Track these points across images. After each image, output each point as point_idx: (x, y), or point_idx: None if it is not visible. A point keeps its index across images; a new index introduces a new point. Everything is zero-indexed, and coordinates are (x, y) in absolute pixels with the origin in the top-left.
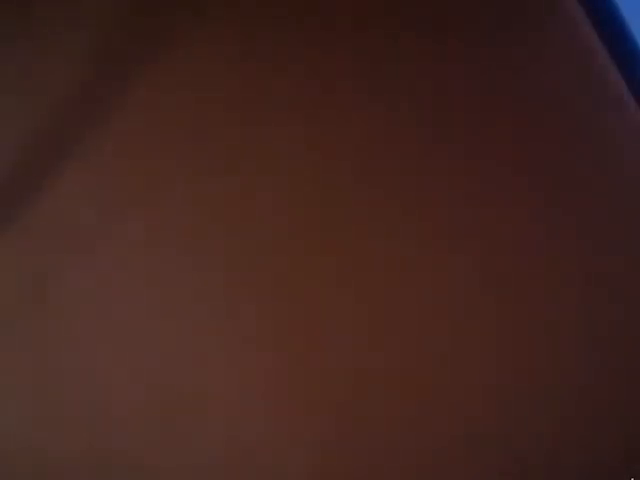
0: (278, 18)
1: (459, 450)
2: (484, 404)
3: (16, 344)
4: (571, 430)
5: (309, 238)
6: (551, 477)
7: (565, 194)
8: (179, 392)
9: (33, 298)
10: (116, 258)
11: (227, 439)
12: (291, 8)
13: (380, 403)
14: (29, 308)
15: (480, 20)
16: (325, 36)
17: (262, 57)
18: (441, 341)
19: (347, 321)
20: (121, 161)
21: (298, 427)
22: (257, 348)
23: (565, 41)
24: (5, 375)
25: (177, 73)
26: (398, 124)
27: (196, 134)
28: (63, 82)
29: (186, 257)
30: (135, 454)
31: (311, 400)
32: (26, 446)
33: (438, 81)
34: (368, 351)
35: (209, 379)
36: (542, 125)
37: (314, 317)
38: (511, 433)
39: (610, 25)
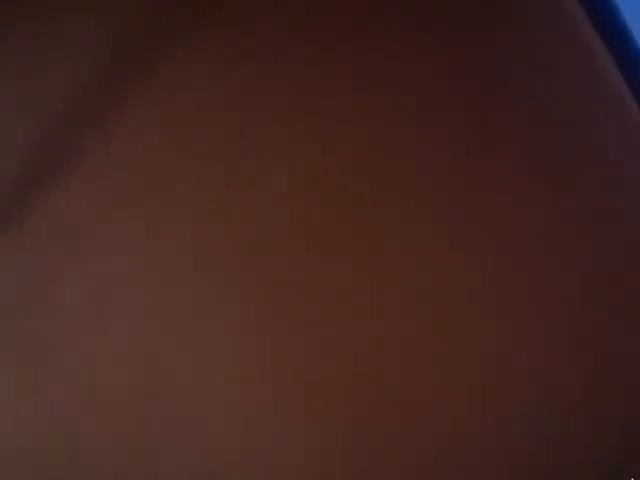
0: (278, 18)
1: (459, 452)
2: (484, 404)
3: (16, 344)
4: (571, 430)
5: (309, 238)
6: (551, 477)
7: (565, 194)
8: (179, 392)
9: (33, 298)
10: (116, 258)
11: (227, 439)
12: (291, 8)
13: (380, 406)
14: (29, 308)
15: (480, 20)
16: (325, 36)
17: (262, 57)
18: (441, 341)
19: (347, 321)
20: (121, 161)
21: (298, 427)
22: (257, 348)
23: (565, 41)
24: (5, 375)
25: (177, 73)
26: (398, 123)
27: (196, 134)
28: (63, 82)
29: (186, 256)
30: (135, 454)
31: (311, 400)
32: (25, 446)
33: (438, 81)
34: (368, 352)
35: (209, 379)
36: (542, 125)
37: (314, 317)
38: (510, 433)
39: (610, 25)
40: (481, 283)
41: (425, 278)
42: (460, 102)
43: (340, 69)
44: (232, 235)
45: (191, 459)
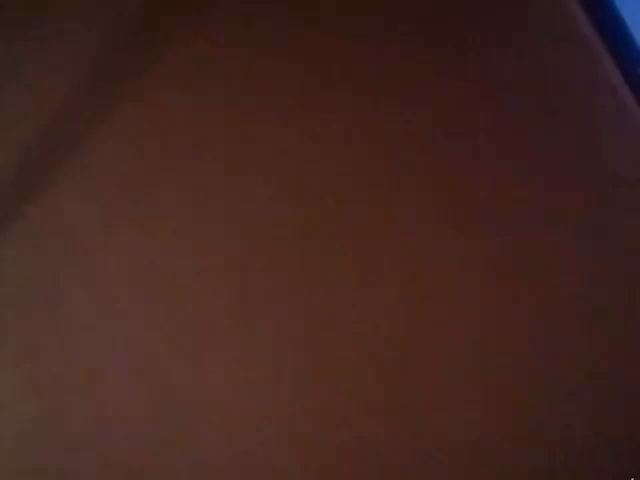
0: (278, 18)
1: (459, 453)
2: (483, 403)
3: (16, 344)
4: (571, 430)
5: (309, 237)
6: (551, 477)
7: (565, 194)
8: (179, 392)
9: (33, 298)
10: (116, 259)
11: (227, 439)
12: (291, 8)
13: (380, 408)
14: (29, 308)
15: (480, 20)
16: (326, 36)
17: (262, 57)
18: (442, 341)
19: (347, 321)
20: (121, 160)
21: (298, 427)
22: (257, 348)
23: (565, 41)
24: (5, 375)
25: (177, 72)
26: (398, 122)
27: (196, 134)
28: (63, 82)
29: (186, 256)
30: (135, 454)
31: (311, 400)
32: (26, 446)
33: (438, 81)
34: (368, 352)
35: (209, 379)
36: (542, 125)
37: (315, 316)
38: (510, 433)
39: (610, 25)
40: (481, 283)
41: (425, 278)
42: (460, 102)
43: (340, 68)
44: (232, 235)
45: (191, 457)
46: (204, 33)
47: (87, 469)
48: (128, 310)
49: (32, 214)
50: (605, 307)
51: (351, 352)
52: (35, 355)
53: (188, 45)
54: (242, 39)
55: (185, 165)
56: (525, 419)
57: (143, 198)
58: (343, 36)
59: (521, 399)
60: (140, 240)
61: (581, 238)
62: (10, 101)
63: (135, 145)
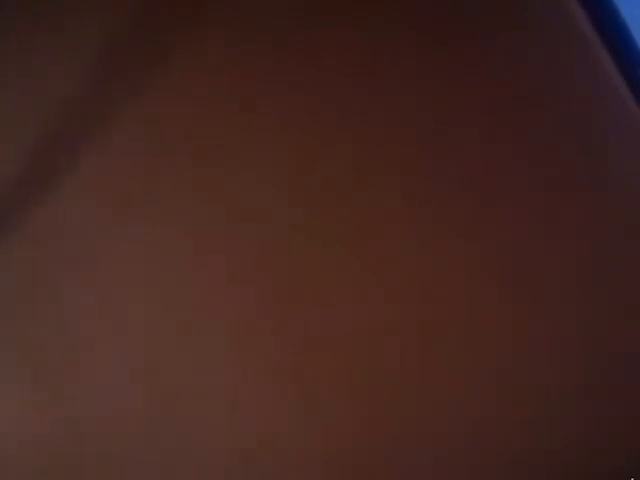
0: (278, 19)
1: (459, 454)
2: (483, 403)
3: (16, 344)
4: (571, 429)
5: (309, 237)
6: (551, 477)
7: (565, 194)
8: (179, 392)
9: (33, 298)
10: (117, 259)
11: (227, 439)
12: (291, 8)
13: (380, 407)
14: (29, 309)
15: (480, 20)
16: (326, 36)
17: (262, 57)
18: (442, 340)
19: (347, 320)
20: (122, 162)
21: (298, 427)
22: (257, 348)
23: (565, 41)
24: (5, 375)
25: (177, 73)
26: (398, 122)
27: (197, 135)
28: (63, 83)
29: (187, 256)
30: (135, 454)
31: (311, 400)
32: (26, 445)
33: (438, 80)
34: (369, 351)
35: (209, 380)
36: (542, 125)
37: (315, 315)
38: (510, 433)
39: (610, 25)
40: (480, 282)
41: (425, 278)
42: (460, 102)
43: (340, 68)
44: (232, 235)
45: (191, 458)
46: (204, 32)
47: (87, 467)
48: (129, 311)
49: (32, 214)
50: (606, 307)
51: (351, 352)
52: (36, 355)
53: (188, 45)
54: (242, 39)
55: (185, 165)
56: (525, 419)
57: (143, 198)
58: (343, 35)
59: (521, 399)
60: (140, 240)
61: (581, 238)
62: (10, 101)
63: (135, 145)
